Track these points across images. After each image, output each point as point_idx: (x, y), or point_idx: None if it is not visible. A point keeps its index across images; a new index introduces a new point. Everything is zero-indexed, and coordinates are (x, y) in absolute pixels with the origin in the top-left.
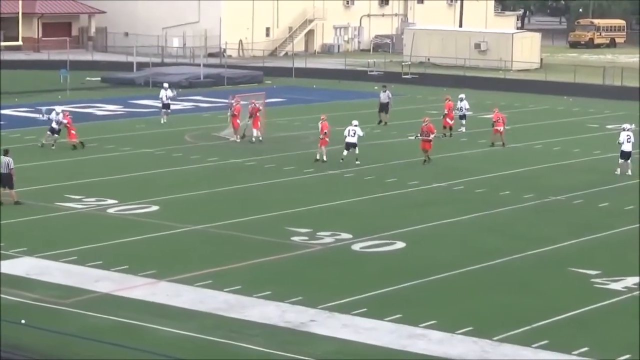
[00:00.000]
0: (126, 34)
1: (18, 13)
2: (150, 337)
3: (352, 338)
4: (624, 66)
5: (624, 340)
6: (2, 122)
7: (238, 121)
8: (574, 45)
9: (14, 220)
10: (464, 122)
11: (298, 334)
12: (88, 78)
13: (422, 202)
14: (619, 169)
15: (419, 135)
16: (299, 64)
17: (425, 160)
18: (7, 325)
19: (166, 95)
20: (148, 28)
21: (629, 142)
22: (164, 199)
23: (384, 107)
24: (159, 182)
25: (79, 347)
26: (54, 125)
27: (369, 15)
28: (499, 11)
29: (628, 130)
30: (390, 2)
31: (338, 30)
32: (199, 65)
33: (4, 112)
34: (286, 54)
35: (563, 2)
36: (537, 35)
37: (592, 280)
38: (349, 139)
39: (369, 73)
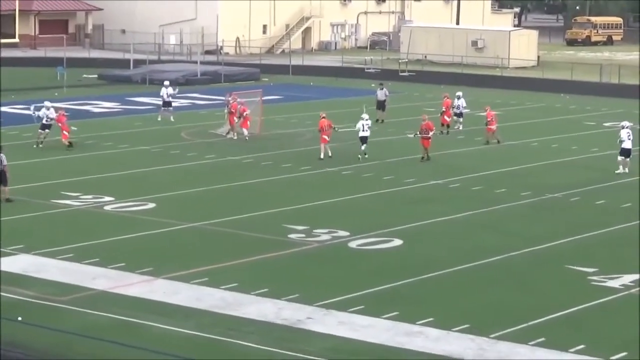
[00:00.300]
0: (123, 31)
1: (15, 10)
2: (148, 334)
3: (349, 335)
4: (621, 64)
5: (621, 338)
6: (0, 120)
7: (235, 119)
8: (571, 42)
9: (10, 217)
10: (461, 119)
11: (295, 331)
12: (85, 75)
13: (419, 199)
14: (620, 167)
15: (417, 133)
16: (296, 61)
17: (423, 157)
18: (4, 322)
19: (167, 93)
20: (145, 25)
21: (629, 139)
22: (161, 196)
23: (381, 105)
24: (156, 180)
25: (76, 344)
26: (44, 122)
27: (366, 13)
28: (496, 9)
29: (627, 127)
30: None
31: (335, 27)
32: (196, 62)
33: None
34: (283, 51)
35: (560, 0)
36: (534, 33)
37: (589, 278)
38: (362, 133)
39: (366, 70)
